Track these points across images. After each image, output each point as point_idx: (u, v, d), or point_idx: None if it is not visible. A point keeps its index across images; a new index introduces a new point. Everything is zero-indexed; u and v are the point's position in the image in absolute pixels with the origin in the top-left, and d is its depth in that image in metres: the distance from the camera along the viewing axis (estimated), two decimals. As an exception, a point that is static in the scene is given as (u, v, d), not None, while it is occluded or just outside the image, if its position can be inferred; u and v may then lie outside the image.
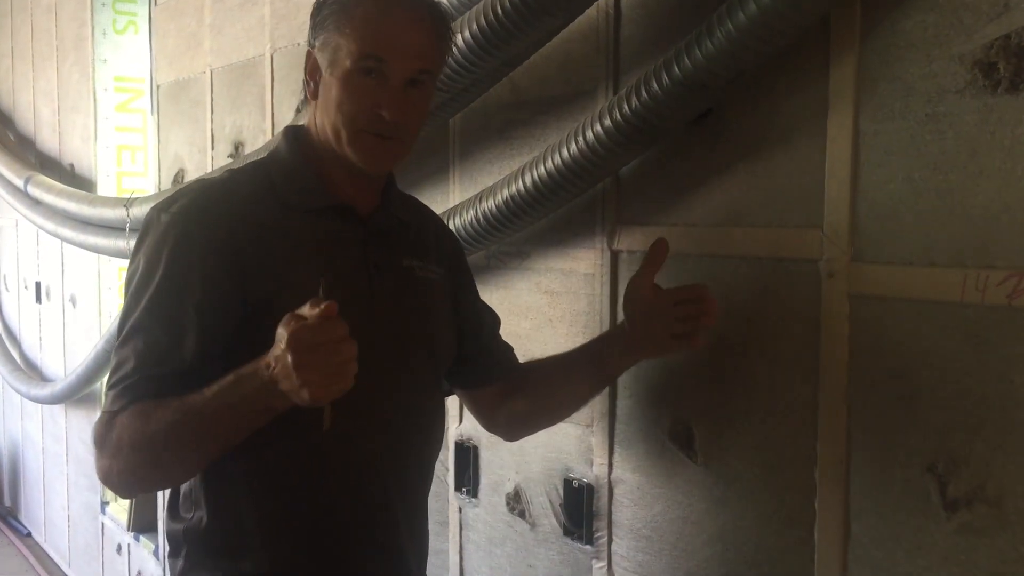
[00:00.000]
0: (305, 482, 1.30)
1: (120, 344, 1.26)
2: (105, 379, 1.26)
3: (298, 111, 2.33)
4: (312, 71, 1.33)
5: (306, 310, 1.09)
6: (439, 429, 1.49)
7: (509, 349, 1.63)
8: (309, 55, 1.33)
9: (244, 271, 1.25)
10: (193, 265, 1.24)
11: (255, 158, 1.54)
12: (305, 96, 1.38)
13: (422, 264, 1.42)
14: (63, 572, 4.53)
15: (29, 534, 5.03)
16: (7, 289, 5.13)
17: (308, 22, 1.33)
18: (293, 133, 1.39)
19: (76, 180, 4.04)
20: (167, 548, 1.40)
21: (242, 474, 1.29)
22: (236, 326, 1.24)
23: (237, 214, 1.28)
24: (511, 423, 1.62)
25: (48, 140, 4.45)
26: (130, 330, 1.25)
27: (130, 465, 1.23)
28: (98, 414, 1.30)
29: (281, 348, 1.09)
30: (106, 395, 1.27)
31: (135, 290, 1.27)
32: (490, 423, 1.65)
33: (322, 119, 1.31)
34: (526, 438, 1.83)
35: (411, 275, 1.40)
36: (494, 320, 1.62)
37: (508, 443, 1.90)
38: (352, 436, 1.29)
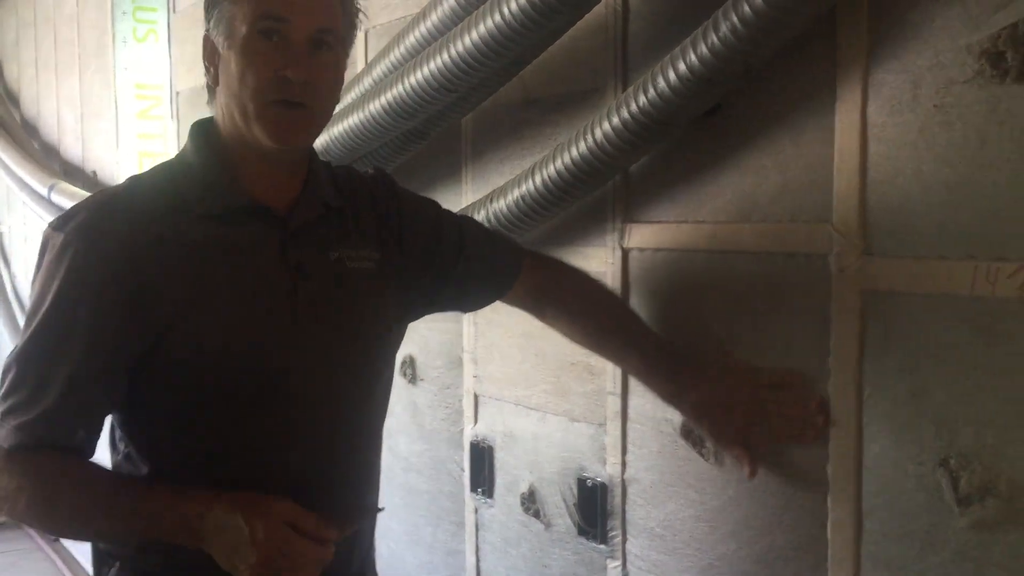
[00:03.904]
0: None
1: (9, 366, 1.21)
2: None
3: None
4: (211, 55, 1.24)
5: (307, 524, 1.13)
6: (379, 428, 1.42)
7: (506, 251, 1.53)
8: (206, 39, 1.24)
9: (145, 296, 1.18)
10: (83, 298, 1.17)
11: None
12: (209, 89, 1.28)
13: (355, 252, 1.32)
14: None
15: (57, 539, 5.08)
16: (33, 296, 5.20)
17: None
18: (201, 129, 1.29)
19: (99, 187, 4.09)
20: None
21: None
22: (140, 352, 1.20)
23: (138, 230, 1.18)
24: (558, 321, 1.58)
25: (71, 147, 4.51)
26: (16, 357, 1.20)
27: (22, 516, 1.23)
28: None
29: (247, 544, 1.09)
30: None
31: (29, 314, 1.21)
32: (542, 318, 1.59)
33: (227, 101, 1.21)
34: (539, 437, 1.84)
35: (341, 268, 1.30)
36: (473, 239, 1.49)
37: (523, 443, 1.90)
38: (284, 450, 1.26)
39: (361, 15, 1.31)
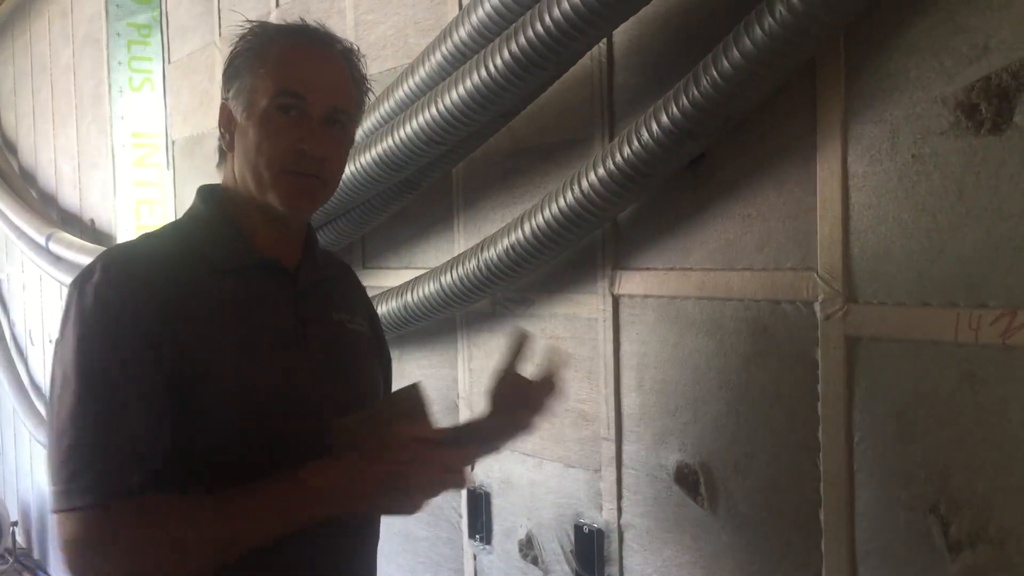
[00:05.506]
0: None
1: (63, 430, 1.15)
2: (50, 473, 1.15)
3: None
4: (227, 122, 1.29)
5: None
6: None
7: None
8: (223, 107, 1.29)
9: (173, 341, 1.18)
10: (126, 344, 1.16)
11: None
12: (221, 152, 1.34)
13: (350, 318, 1.38)
14: (91, 624, 4.54)
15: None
16: (32, 343, 5.20)
17: None
18: (209, 191, 1.34)
19: (97, 235, 4.11)
20: None
21: None
22: (171, 395, 1.17)
23: (163, 277, 1.20)
24: None
25: (69, 196, 4.54)
26: (69, 421, 1.15)
27: (146, 568, 1.13)
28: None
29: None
30: (61, 492, 1.13)
31: (67, 373, 1.16)
32: None
33: (241, 168, 1.26)
34: (535, 483, 1.84)
35: (342, 329, 1.36)
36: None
37: (519, 490, 1.91)
38: None
39: (371, 93, 1.37)
